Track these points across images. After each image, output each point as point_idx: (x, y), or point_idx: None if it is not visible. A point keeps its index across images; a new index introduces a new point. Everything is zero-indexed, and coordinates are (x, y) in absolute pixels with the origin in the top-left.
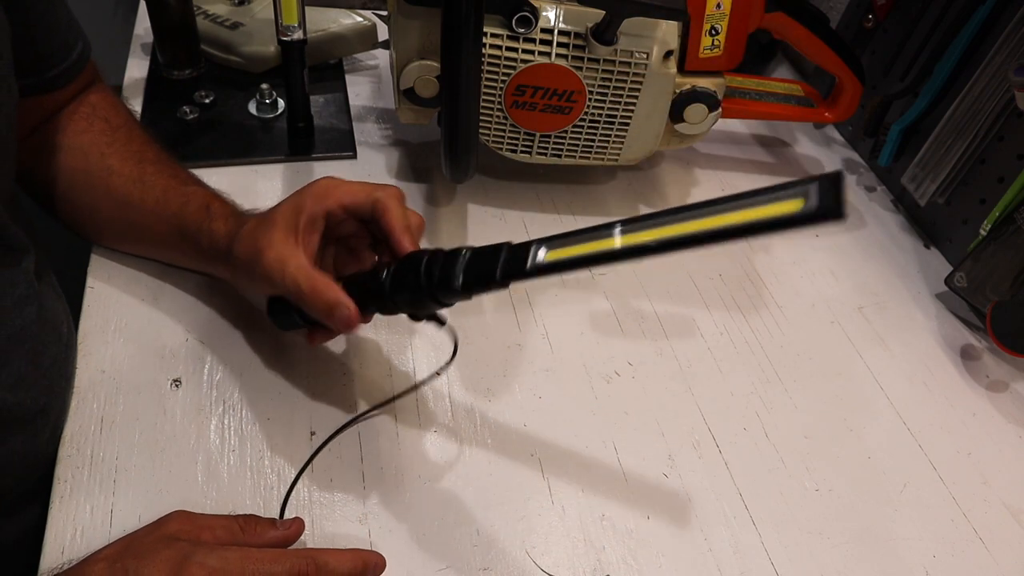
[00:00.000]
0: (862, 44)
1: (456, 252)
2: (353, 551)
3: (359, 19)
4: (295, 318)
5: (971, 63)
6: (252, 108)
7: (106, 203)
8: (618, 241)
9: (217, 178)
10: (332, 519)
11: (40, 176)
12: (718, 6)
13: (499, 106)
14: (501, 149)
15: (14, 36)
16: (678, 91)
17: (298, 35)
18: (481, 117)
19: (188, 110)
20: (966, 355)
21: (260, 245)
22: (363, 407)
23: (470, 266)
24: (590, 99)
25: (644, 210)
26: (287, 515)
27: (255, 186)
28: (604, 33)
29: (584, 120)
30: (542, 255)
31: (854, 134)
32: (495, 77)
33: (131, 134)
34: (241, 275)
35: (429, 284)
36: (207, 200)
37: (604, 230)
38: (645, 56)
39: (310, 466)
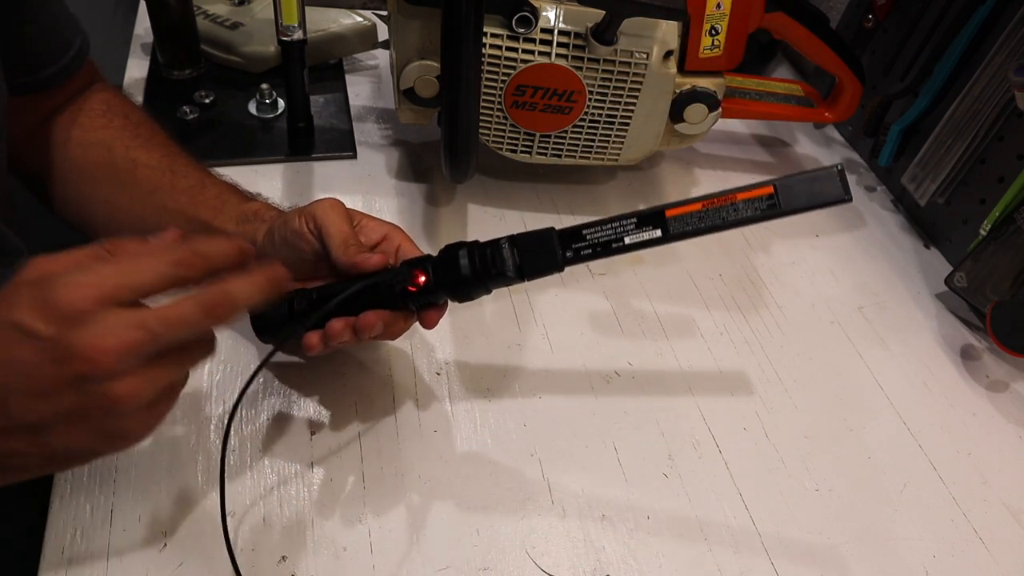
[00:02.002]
0: (862, 44)
1: (496, 242)
2: (228, 238)
3: (359, 19)
4: (286, 318)
5: (971, 63)
6: (252, 108)
7: (129, 194)
8: (668, 227)
9: None
10: (332, 519)
11: (46, 173)
12: (718, 6)
13: (499, 106)
14: (501, 149)
15: (6, 34)
16: (678, 91)
17: (298, 35)
18: (481, 117)
19: (188, 110)
20: (966, 355)
21: (314, 201)
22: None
23: (524, 255)
24: (590, 99)
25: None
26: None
27: (255, 186)
28: (604, 33)
29: (584, 120)
30: (594, 238)
31: (854, 134)
32: (495, 77)
33: (153, 129)
34: (269, 241)
35: (485, 275)
36: (246, 194)
37: (653, 215)
38: (645, 56)
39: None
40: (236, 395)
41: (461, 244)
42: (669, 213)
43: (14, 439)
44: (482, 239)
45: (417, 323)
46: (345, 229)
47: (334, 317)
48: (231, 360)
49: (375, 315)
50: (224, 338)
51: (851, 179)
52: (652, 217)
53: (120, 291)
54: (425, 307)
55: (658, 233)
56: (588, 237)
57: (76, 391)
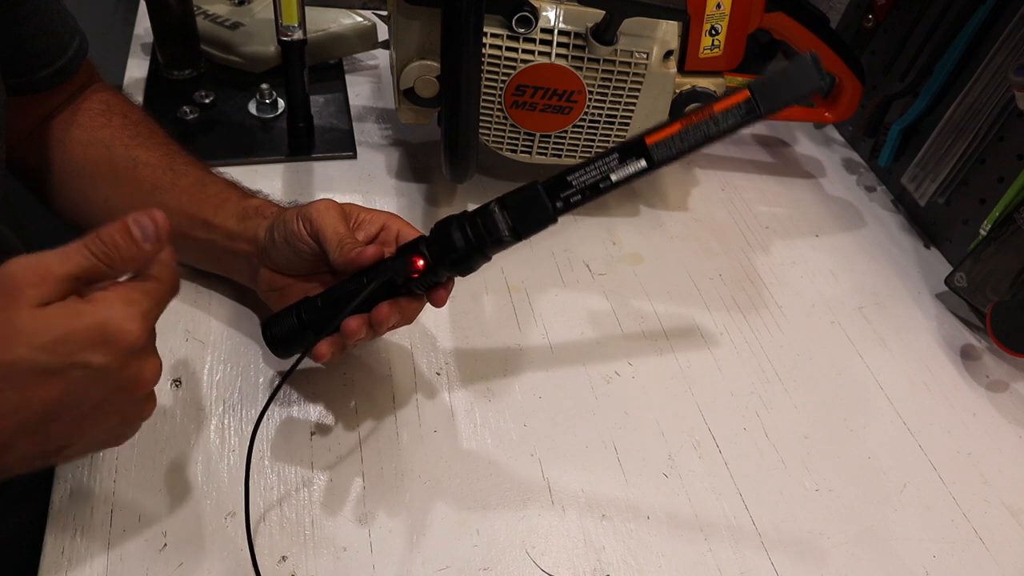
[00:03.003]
0: (862, 44)
1: (485, 208)
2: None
3: (359, 19)
4: (297, 328)
5: (971, 63)
6: (252, 108)
7: (129, 192)
8: (652, 154)
9: None
10: (332, 519)
11: (46, 173)
12: (718, 6)
13: (499, 106)
14: (501, 149)
15: (2, 35)
16: (678, 91)
17: (298, 35)
18: (481, 117)
19: (188, 110)
20: (966, 355)
21: (311, 203)
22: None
23: (515, 215)
24: (590, 99)
25: (644, 209)
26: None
27: (255, 186)
28: (604, 33)
29: (584, 120)
30: (580, 182)
31: (854, 134)
32: (495, 77)
33: (152, 128)
34: (270, 239)
35: (482, 243)
36: (246, 191)
37: (634, 146)
38: (645, 56)
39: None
40: (262, 403)
41: (451, 219)
42: (649, 140)
43: (46, 458)
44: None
45: (428, 306)
46: (340, 230)
47: (346, 318)
48: (231, 360)
49: (387, 306)
50: (224, 338)
51: (851, 179)
52: (634, 147)
53: (156, 316)
54: (431, 287)
55: (643, 163)
56: (574, 183)
57: (127, 405)
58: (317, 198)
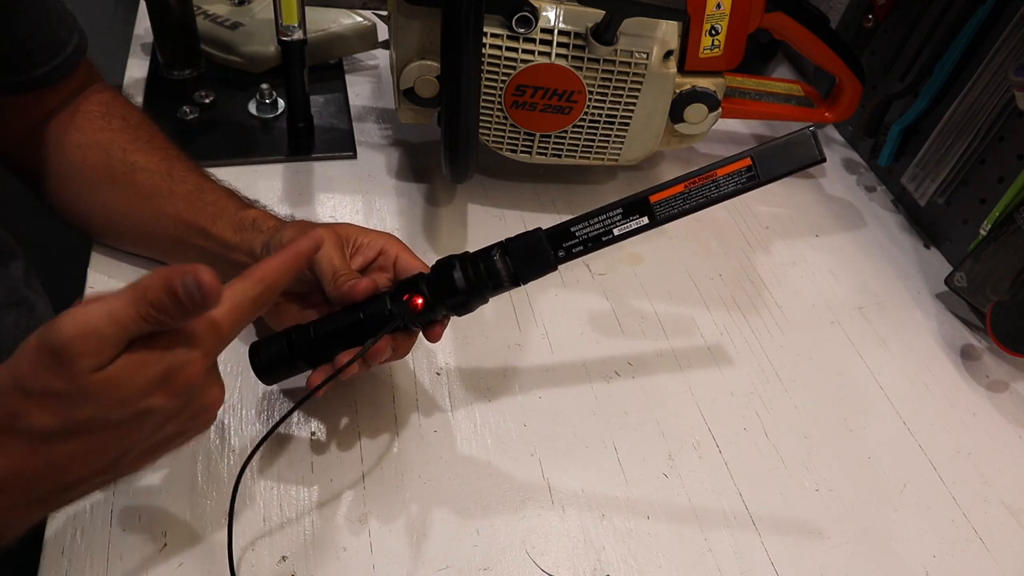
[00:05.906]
0: (862, 44)
1: (488, 252)
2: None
3: (359, 19)
4: (287, 357)
5: (971, 63)
6: (252, 108)
7: (127, 197)
8: (654, 213)
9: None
10: (332, 519)
11: (45, 174)
12: (718, 6)
13: (499, 106)
14: (501, 149)
15: None
16: (678, 91)
17: (298, 35)
18: (481, 117)
19: (188, 110)
20: (966, 355)
21: (306, 232)
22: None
23: (517, 261)
24: (590, 99)
25: None
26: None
27: (255, 186)
28: (604, 33)
29: (584, 120)
30: (583, 234)
31: (854, 134)
32: (495, 77)
33: (152, 131)
34: (265, 255)
35: (482, 287)
36: (244, 200)
37: (637, 203)
38: (645, 56)
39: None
40: (260, 424)
41: (452, 260)
42: (653, 199)
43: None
44: (482, 240)
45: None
46: (336, 262)
47: (340, 352)
48: (230, 360)
49: (385, 341)
50: None
51: (851, 179)
52: (637, 205)
53: (218, 350)
54: (427, 324)
55: (645, 220)
56: (577, 234)
57: (197, 427)
58: (317, 198)
